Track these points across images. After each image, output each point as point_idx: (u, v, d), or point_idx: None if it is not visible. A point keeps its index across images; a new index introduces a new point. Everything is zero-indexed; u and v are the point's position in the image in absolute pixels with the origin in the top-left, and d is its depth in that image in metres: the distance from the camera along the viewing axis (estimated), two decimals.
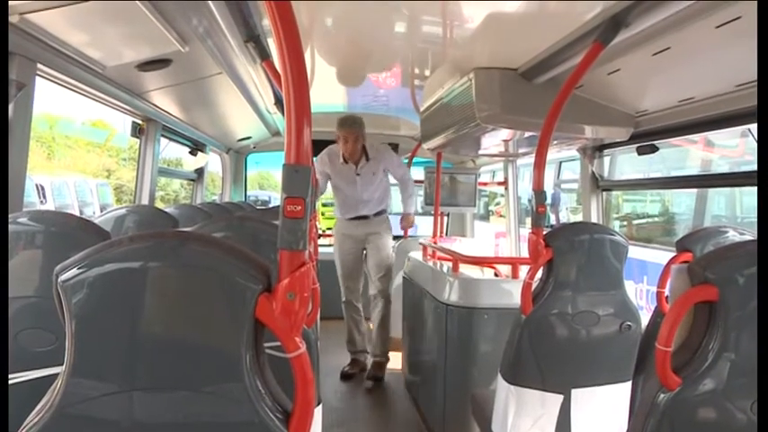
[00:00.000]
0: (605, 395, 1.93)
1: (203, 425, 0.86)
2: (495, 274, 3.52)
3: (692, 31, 1.63)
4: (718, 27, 1.55)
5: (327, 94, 3.77)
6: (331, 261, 5.08)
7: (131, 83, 2.61)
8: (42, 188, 11.71)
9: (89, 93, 2.43)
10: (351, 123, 3.81)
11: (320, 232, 5.58)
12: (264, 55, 2.32)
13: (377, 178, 3.99)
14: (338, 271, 4.19)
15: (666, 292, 1.84)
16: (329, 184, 4.16)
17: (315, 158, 4.05)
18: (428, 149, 3.81)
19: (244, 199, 5.39)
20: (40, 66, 1.92)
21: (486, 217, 10.97)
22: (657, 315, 1.85)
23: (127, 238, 0.86)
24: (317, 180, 3.95)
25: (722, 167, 5.54)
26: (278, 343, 0.87)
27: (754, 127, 2.04)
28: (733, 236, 1.76)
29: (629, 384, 1.87)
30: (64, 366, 0.84)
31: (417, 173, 5.08)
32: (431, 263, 3.55)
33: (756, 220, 0.97)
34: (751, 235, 1.75)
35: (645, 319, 1.98)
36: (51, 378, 0.89)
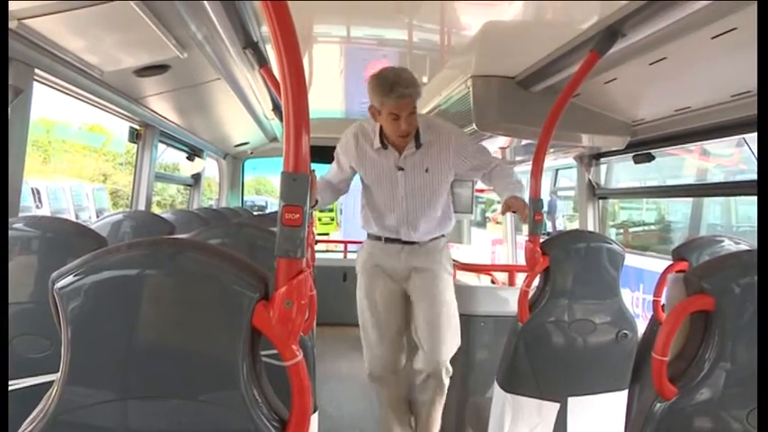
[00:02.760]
0: (602, 404, 1.93)
1: None
2: (492, 282, 3.52)
3: (688, 42, 1.64)
4: (713, 38, 1.57)
5: (325, 100, 3.78)
6: (327, 267, 5.06)
7: (129, 88, 2.62)
8: (38, 192, 11.67)
9: (87, 98, 2.43)
10: (407, 83, 2.11)
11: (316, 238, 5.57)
12: (263, 61, 2.32)
13: (434, 178, 2.33)
14: (362, 322, 2.49)
15: (663, 300, 1.84)
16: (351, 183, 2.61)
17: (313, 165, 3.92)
18: None
19: (241, 204, 5.38)
20: (37, 71, 1.92)
21: (482, 224, 10.97)
22: (654, 324, 1.85)
23: (124, 246, 0.86)
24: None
25: (717, 176, 5.56)
26: (274, 351, 0.87)
27: (749, 136, 2.05)
28: (729, 245, 1.77)
29: (625, 393, 1.87)
30: (59, 374, 0.84)
31: None
32: None
33: (755, 229, 0.97)
34: (746, 244, 1.76)
35: (641, 327, 1.98)
36: (46, 385, 0.88)
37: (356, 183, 2.53)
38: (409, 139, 2.27)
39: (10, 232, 1.29)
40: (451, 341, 2.36)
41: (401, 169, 2.31)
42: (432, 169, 2.31)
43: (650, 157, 2.59)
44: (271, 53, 2.33)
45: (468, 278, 3.24)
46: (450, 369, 2.36)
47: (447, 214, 2.45)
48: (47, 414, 0.83)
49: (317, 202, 2.36)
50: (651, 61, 1.87)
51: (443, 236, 2.45)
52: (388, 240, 2.41)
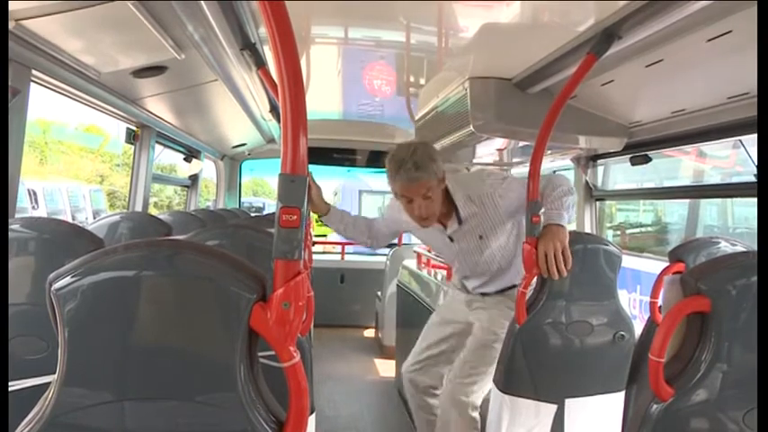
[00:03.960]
0: (598, 405, 1.93)
1: None
2: None
3: (684, 44, 1.65)
4: (709, 40, 1.57)
5: (323, 101, 3.78)
6: (324, 268, 5.06)
7: (126, 89, 2.61)
8: (34, 193, 11.65)
9: (84, 99, 2.43)
10: (417, 165, 1.92)
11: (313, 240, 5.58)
12: (260, 63, 2.32)
13: (491, 240, 2.13)
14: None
15: (659, 302, 1.85)
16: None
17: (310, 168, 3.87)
18: None
19: (238, 206, 5.38)
20: (34, 72, 1.92)
21: None
22: (650, 325, 1.85)
23: (121, 247, 0.86)
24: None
25: (714, 178, 5.58)
26: (272, 352, 0.87)
27: (745, 138, 2.06)
28: (725, 247, 1.77)
29: (622, 394, 1.87)
30: (56, 375, 0.84)
31: None
32: (425, 271, 3.56)
33: (751, 230, 0.98)
34: (743, 246, 1.77)
35: (638, 328, 1.98)
36: (43, 387, 0.88)
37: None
38: (443, 217, 2.11)
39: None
40: (480, 379, 2.11)
41: (452, 240, 2.17)
42: (486, 234, 2.12)
43: (647, 159, 2.60)
44: (268, 54, 2.33)
45: None
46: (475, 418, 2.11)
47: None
48: (44, 416, 0.83)
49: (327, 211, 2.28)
50: (648, 63, 1.87)
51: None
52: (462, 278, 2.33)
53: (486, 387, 2.12)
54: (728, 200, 5.44)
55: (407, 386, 2.39)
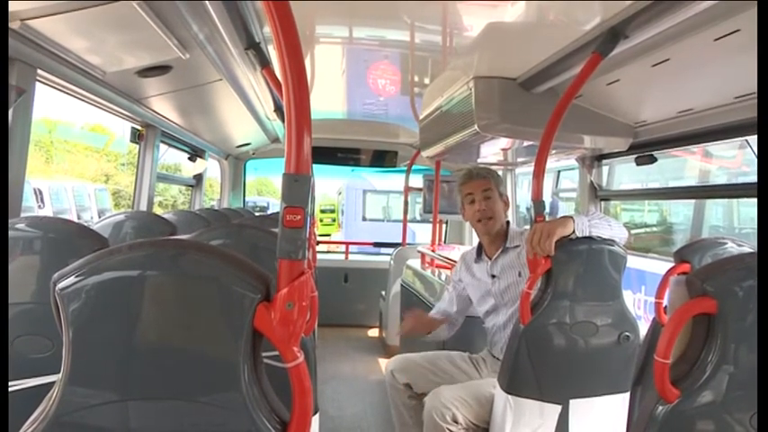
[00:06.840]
0: (603, 406, 1.92)
1: None
2: None
3: (690, 44, 1.64)
4: (716, 40, 1.56)
5: (328, 100, 3.79)
6: (328, 268, 5.07)
7: (131, 89, 2.62)
8: (40, 192, 11.71)
9: (89, 98, 2.44)
10: (477, 171, 2.45)
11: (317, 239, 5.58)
12: (264, 62, 2.32)
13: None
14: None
15: (665, 302, 1.84)
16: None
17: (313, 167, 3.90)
18: (427, 157, 3.81)
19: (242, 205, 5.39)
20: (40, 71, 1.93)
21: None
22: (656, 326, 1.85)
23: (125, 246, 0.86)
24: None
25: (720, 178, 5.54)
26: (275, 352, 0.87)
27: (751, 138, 2.05)
28: (731, 247, 1.76)
29: (627, 395, 1.87)
30: (60, 375, 0.84)
31: (416, 181, 5.08)
32: (429, 271, 3.56)
33: (756, 231, 0.97)
34: (749, 246, 1.75)
35: (643, 329, 1.97)
36: (47, 386, 0.88)
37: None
38: (499, 241, 2.40)
39: (13, 233, 1.30)
40: None
41: (494, 276, 2.39)
42: (524, 272, 2.26)
43: (653, 159, 2.59)
44: (273, 54, 2.34)
45: None
46: None
47: None
48: (48, 415, 0.83)
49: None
50: (654, 63, 1.86)
51: None
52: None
53: None
54: (734, 200, 5.41)
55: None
